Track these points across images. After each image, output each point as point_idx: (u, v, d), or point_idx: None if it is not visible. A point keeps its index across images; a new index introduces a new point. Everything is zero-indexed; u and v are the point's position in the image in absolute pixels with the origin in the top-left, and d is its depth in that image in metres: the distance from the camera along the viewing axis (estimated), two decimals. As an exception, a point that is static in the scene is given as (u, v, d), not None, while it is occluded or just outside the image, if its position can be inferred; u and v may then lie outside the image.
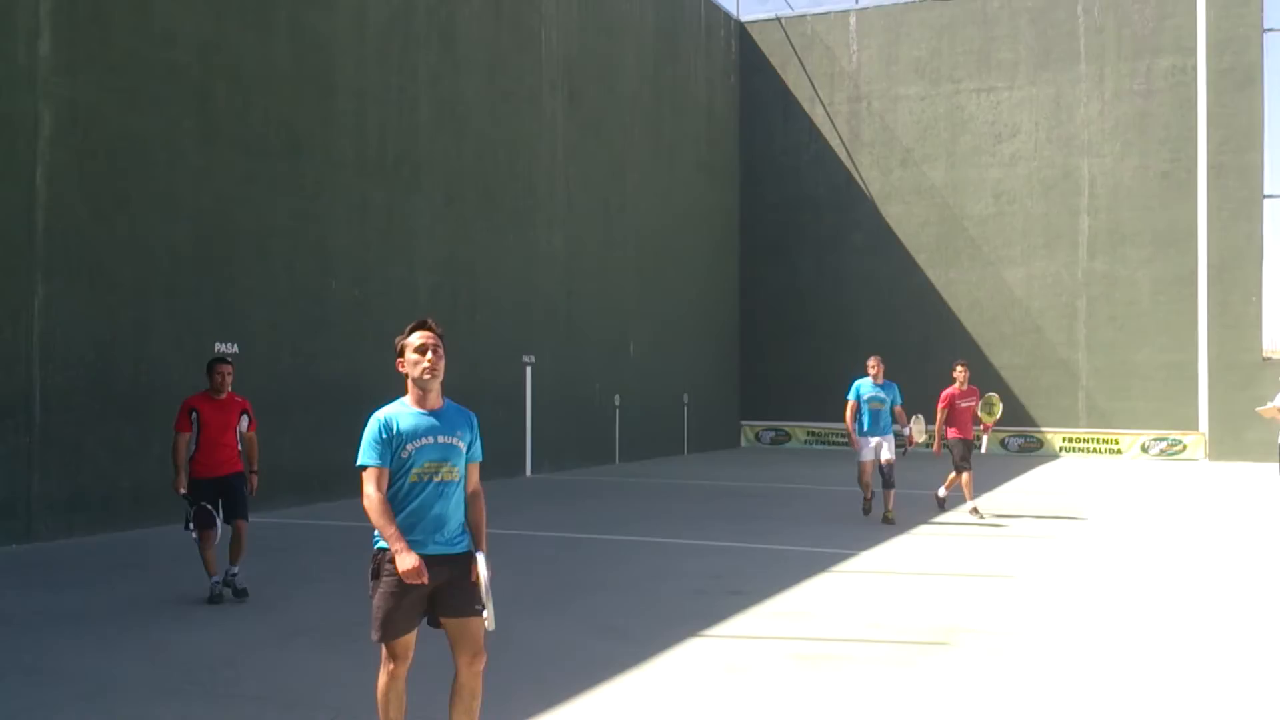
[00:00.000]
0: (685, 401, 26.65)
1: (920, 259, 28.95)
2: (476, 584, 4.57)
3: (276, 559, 10.52)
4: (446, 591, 4.58)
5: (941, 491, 14.83)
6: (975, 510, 13.97)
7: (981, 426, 15.20)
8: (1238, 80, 26.31)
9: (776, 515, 14.70)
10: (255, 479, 8.87)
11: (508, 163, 20.06)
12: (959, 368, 14.60)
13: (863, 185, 29.65)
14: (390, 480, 4.57)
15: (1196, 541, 12.36)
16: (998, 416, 15.40)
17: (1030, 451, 27.12)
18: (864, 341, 28.86)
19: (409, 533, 4.51)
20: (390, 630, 4.54)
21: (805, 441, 29.87)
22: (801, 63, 30.41)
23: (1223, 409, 25.46)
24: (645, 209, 24.92)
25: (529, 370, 20.35)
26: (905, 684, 6.27)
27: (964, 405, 14.31)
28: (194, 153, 13.87)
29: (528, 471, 20.23)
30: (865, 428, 13.87)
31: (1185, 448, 26.00)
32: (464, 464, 4.74)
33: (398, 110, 17.43)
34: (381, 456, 4.55)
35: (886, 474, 13.63)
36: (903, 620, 7.89)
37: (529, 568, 10.06)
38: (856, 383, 14.27)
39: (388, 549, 4.48)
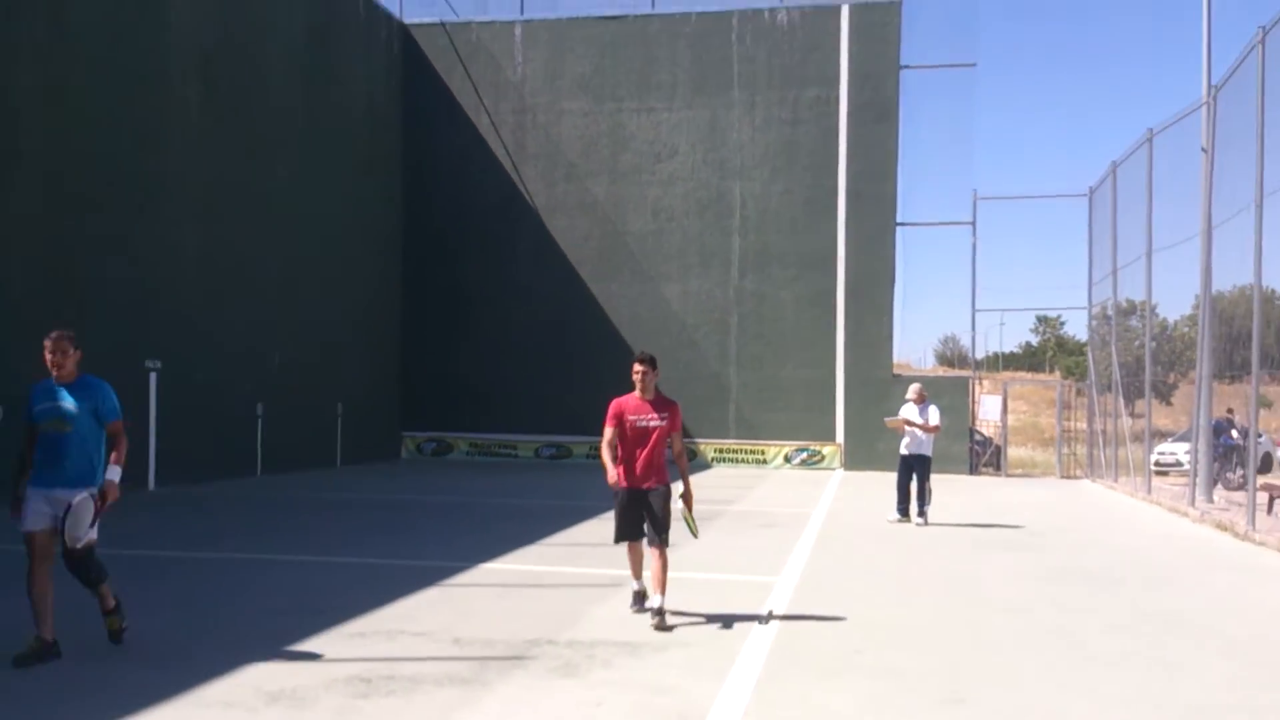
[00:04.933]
0: (339, 411, 25.52)
1: (583, 271, 29.13)
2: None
3: None
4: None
5: None
6: None
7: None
8: (876, 114, 28.08)
9: (409, 529, 14.08)
10: None
11: (128, 152, 18.41)
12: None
13: (528, 196, 29.54)
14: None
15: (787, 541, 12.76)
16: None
17: (683, 463, 27.75)
18: (525, 352, 28.78)
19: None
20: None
21: (467, 452, 29.36)
22: (467, 70, 29.99)
23: (857, 421, 27.04)
24: (297, 208, 23.67)
25: (153, 376, 18.75)
26: (458, 705, 5.86)
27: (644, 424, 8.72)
28: None
29: (150, 484, 18.60)
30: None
31: (824, 457, 27.41)
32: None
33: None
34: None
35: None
36: (491, 634, 7.49)
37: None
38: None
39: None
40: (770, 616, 8.36)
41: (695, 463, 27.84)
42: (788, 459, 27.60)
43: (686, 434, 28.11)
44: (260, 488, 19.68)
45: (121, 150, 18.18)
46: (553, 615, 8.22)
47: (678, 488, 8.21)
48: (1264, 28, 14.63)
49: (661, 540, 8.11)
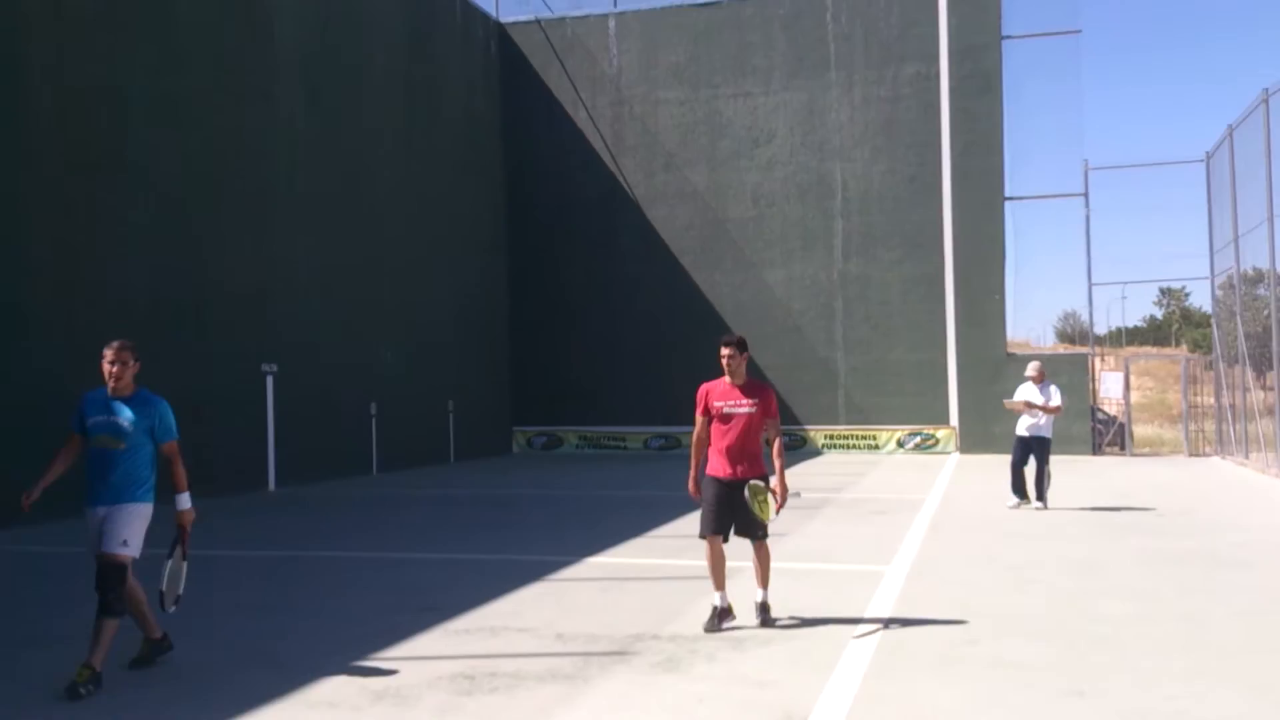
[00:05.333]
0: (450, 408, 25.87)
1: (685, 261, 29.05)
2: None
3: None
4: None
5: None
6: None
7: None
8: (978, 86, 27.40)
9: (518, 524, 14.18)
10: None
11: (239, 163, 18.86)
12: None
13: (628, 188, 29.55)
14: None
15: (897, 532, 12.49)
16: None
17: (794, 449, 27.53)
18: (631, 344, 28.85)
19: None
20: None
21: (577, 445, 29.53)
22: (563, 65, 30.11)
23: (971, 403, 26.44)
24: (401, 211, 24.05)
25: (269, 380, 19.21)
26: (559, 702, 5.82)
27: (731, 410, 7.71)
28: None
29: (271, 485, 19.07)
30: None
31: (938, 441, 26.87)
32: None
33: (106, 104, 16.09)
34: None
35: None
36: (594, 630, 7.46)
37: (213, 588, 9.19)
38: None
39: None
40: (882, 622, 8.11)
41: (804, 450, 27.59)
42: (900, 444, 27.13)
43: (795, 421, 28.40)
44: (375, 485, 20.07)
45: (231, 159, 18.64)
46: (657, 609, 8.15)
47: (772, 481, 7.67)
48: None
49: (758, 536, 7.62)
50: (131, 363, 6.42)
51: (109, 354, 6.38)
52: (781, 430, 7.88)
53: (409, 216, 24.31)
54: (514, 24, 30.52)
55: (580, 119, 29.97)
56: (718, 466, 7.60)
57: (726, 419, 7.58)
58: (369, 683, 6.22)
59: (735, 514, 7.52)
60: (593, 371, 29.16)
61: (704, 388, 7.76)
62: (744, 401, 7.57)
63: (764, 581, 7.69)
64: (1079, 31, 27.83)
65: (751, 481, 7.46)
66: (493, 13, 30.13)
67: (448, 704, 5.79)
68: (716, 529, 7.56)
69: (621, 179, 29.63)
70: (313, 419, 20.18)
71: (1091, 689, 6.02)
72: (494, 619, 7.94)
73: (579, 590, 9.19)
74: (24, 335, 14.51)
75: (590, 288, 29.53)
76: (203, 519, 14.18)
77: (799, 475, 20.97)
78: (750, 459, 7.59)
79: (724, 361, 7.63)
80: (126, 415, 6.34)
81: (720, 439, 7.60)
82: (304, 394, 19.94)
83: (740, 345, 7.67)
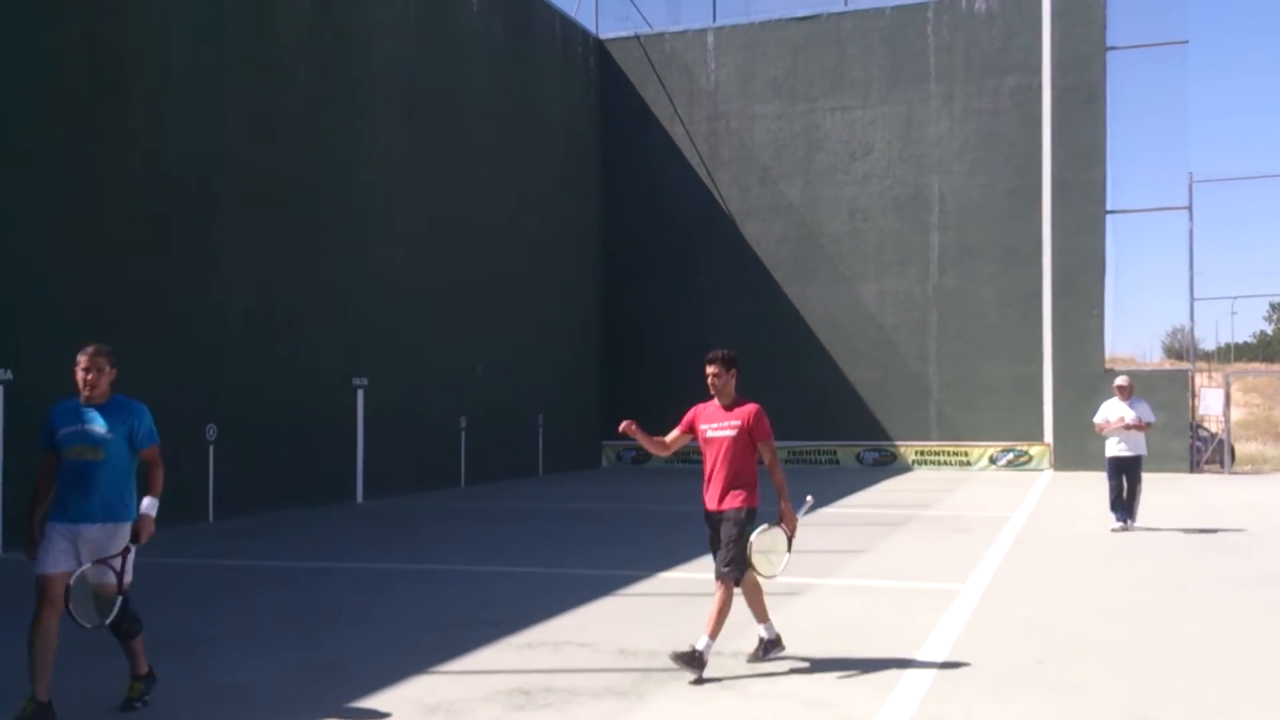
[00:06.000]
0: (539, 423, 26.14)
1: (778, 276, 28.93)
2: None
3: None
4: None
5: None
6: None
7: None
8: (1081, 98, 26.85)
9: (598, 537, 14.28)
10: None
11: (334, 180, 19.33)
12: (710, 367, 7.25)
13: (722, 203, 29.58)
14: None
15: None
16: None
17: (884, 465, 27.21)
18: (721, 359, 28.69)
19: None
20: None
21: (667, 460, 29.54)
22: (661, 80, 30.28)
23: (1067, 420, 25.81)
24: (498, 227, 24.39)
25: (360, 393, 19.65)
26: (611, 718, 5.87)
27: (713, 434, 7.07)
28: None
29: (359, 498, 19.49)
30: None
31: (1031, 458, 26.33)
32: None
33: (205, 122, 16.67)
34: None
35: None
36: (656, 645, 7.48)
37: (285, 600, 9.45)
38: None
39: None
40: (950, 642, 8.01)
41: (894, 466, 27.24)
42: (993, 460, 26.64)
43: (885, 436, 28.10)
44: (462, 498, 20.35)
45: (328, 179, 19.12)
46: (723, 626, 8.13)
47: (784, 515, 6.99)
48: None
49: (725, 573, 6.72)
50: (108, 369, 5.93)
51: (83, 360, 5.89)
52: (777, 450, 7.03)
53: (504, 231, 24.65)
54: (613, 39, 30.78)
55: (677, 134, 30.09)
56: (705, 497, 7.00)
57: (708, 444, 6.95)
58: (424, 696, 6.32)
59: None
60: (682, 386, 29.07)
61: (695, 408, 7.19)
62: (725, 424, 6.90)
63: (711, 628, 6.68)
64: (1186, 42, 27.06)
65: (759, 532, 6.79)
66: (592, 29, 30.44)
67: (499, 718, 5.87)
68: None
69: (716, 193, 29.67)
70: (402, 431, 20.55)
71: (1154, 712, 5.89)
72: (558, 633, 8.02)
73: (647, 605, 9.23)
74: (122, 348, 15.07)
75: (681, 302, 29.54)
76: (284, 530, 14.63)
77: (887, 492, 20.75)
78: (735, 489, 6.84)
79: (709, 380, 7.01)
80: (100, 423, 5.85)
81: (707, 467, 6.98)
82: (394, 407, 20.32)
83: (726, 362, 7.00)
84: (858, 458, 27.48)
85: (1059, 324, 26.46)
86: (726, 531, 6.76)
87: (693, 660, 6.57)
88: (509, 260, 24.80)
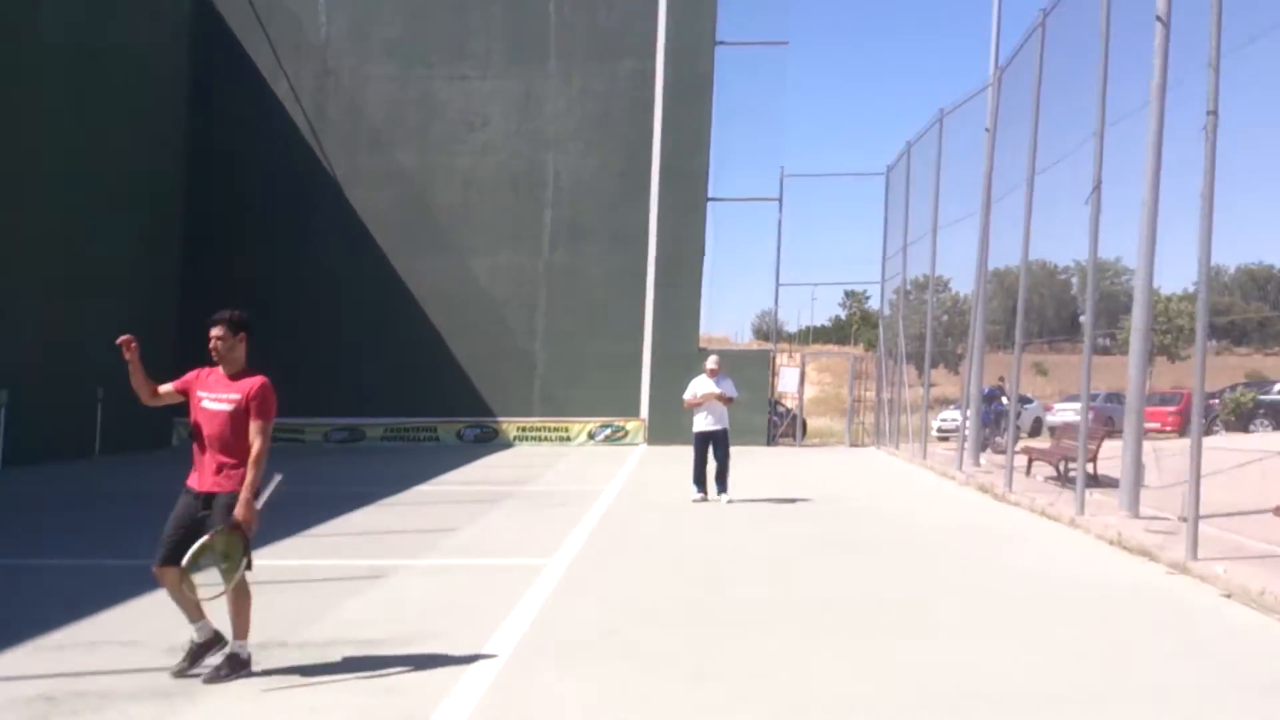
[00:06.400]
0: (100, 396, 23.34)
1: (385, 246, 28.04)
2: None
3: None
4: None
5: None
6: None
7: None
8: (691, 89, 27.97)
9: (160, 523, 13.12)
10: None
11: None
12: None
13: (328, 165, 28.32)
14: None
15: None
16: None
17: (485, 441, 27.21)
18: (320, 331, 27.32)
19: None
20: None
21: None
22: (265, 30, 28.50)
23: (662, 396, 26.79)
24: (59, 176, 21.74)
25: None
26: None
27: (210, 405, 6.25)
28: None
29: None
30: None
31: (627, 433, 27.31)
32: None
33: None
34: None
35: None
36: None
37: None
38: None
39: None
40: (529, 617, 7.93)
41: (496, 442, 27.23)
42: (591, 435, 27.37)
43: (489, 413, 27.96)
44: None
45: None
46: (294, 614, 7.57)
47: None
48: (1045, 11, 14.93)
49: (223, 574, 5.95)
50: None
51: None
52: (268, 435, 6.15)
53: (69, 181, 22.02)
54: (211, -19, 28.59)
55: (280, 89, 28.46)
56: (191, 475, 6.19)
57: (203, 415, 6.08)
58: (-75, 701, 5.44)
59: (193, 536, 5.98)
60: (277, 362, 27.50)
61: (199, 370, 6.29)
62: (224, 397, 6.09)
63: (239, 629, 6.11)
64: (786, 43, 28.92)
65: (218, 528, 5.93)
66: (189, -33, 28.01)
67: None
68: (167, 558, 6.03)
69: (321, 155, 28.34)
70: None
71: (713, 672, 6.15)
72: (98, 631, 7.13)
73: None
74: None
75: (278, 270, 27.65)
76: None
77: (486, 469, 20.69)
78: (233, 469, 6.08)
79: (210, 344, 6.14)
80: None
81: (200, 441, 6.12)
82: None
83: (235, 325, 6.19)
84: (458, 434, 27.29)
85: (660, 304, 27.52)
86: (219, 517, 5.96)
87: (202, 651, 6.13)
88: (73, 216, 22.17)
